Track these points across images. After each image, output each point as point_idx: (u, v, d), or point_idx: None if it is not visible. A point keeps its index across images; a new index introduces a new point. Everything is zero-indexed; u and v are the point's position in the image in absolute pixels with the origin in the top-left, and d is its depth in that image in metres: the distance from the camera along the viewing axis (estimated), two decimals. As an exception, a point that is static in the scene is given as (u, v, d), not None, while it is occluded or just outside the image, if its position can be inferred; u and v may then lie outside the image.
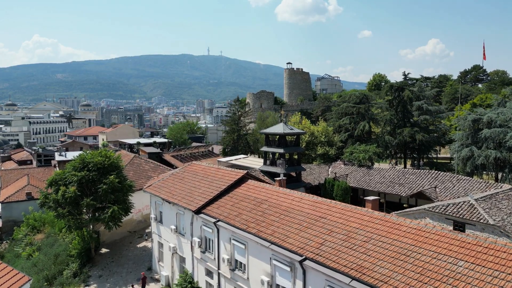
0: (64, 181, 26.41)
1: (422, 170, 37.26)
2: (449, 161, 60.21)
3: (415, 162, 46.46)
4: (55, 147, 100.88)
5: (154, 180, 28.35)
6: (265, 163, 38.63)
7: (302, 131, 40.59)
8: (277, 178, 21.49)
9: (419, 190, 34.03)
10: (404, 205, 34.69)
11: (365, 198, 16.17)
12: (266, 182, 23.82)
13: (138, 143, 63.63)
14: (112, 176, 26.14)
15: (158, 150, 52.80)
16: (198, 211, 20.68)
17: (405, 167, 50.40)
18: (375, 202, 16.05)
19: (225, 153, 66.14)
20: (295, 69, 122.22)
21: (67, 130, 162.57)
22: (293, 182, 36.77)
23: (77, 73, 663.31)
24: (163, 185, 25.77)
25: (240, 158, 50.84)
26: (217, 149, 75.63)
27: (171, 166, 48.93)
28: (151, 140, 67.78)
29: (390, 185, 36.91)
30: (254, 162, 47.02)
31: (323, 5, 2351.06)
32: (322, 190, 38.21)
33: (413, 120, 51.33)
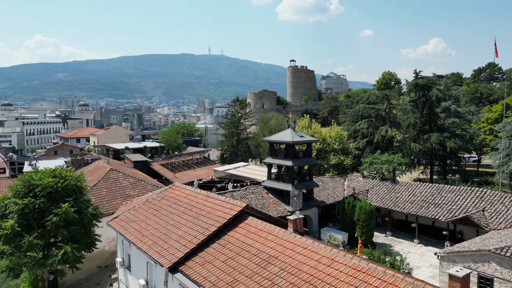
0: (2, 211, 19.74)
1: (462, 187, 30.38)
2: (476, 169, 53.34)
3: (449, 174, 39.37)
4: (45, 149, 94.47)
5: (124, 207, 21.62)
6: (269, 178, 31.90)
7: (314, 138, 33.70)
8: (291, 217, 14.55)
9: (462, 213, 27.21)
10: (444, 232, 27.85)
11: (449, 272, 9.36)
12: (273, 219, 16.94)
13: (127, 148, 57.00)
14: (66, 204, 19.40)
15: (145, 158, 46.05)
16: (174, 268, 13.95)
17: (431, 179, 43.49)
18: (466, 280, 9.27)
19: (223, 160, 59.41)
20: (299, 66, 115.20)
21: (62, 131, 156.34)
22: (304, 200, 30.08)
23: (78, 72, 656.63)
24: (133, 217, 19.05)
25: (239, 167, 43.99)
26: (216, 154, 68.92)
27: (160, 176, 42.30)
28: (141, 145, 61.07)
29: (423, 205, 30.05)
30: (256, 172, 40.28)
31: (324, 5, 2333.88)
32: (339, 210, 31.39)
33: (439, 123, 44.41)
